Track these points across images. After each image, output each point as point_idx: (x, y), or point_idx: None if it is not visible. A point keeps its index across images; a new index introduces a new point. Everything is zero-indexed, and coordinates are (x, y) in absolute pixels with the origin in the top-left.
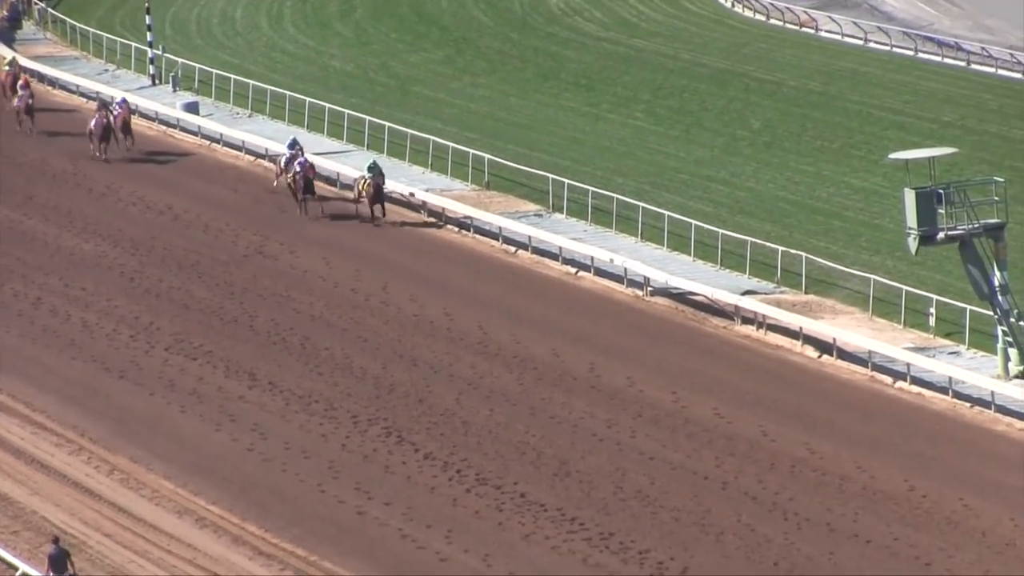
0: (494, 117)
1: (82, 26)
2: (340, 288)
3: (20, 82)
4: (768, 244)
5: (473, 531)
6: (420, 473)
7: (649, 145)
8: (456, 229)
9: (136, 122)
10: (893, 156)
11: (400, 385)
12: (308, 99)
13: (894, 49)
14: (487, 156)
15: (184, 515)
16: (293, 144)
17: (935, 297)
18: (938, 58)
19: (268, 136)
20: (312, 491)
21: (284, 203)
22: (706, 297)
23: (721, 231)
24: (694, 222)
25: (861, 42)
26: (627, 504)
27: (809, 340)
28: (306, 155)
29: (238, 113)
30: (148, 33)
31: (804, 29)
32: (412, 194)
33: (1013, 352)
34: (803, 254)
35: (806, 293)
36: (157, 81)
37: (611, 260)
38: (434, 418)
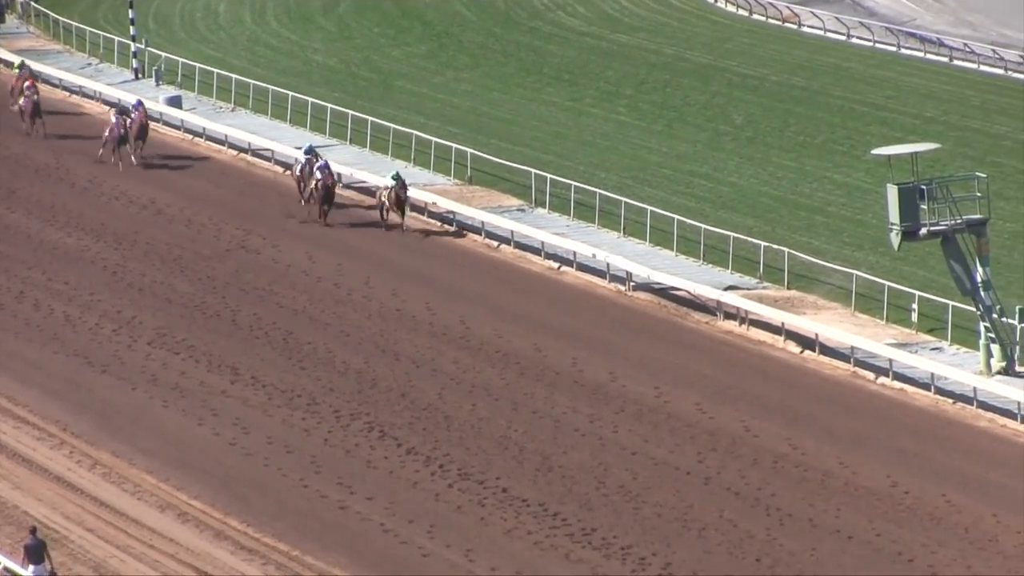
0: (477, 112)
1: (65, 20)
2: (323, 282)
3: (26, 83)
4: (751, 239)
5: (455, 526)
6: (402, 468)
7: (632, 140)
8: (440, 224)
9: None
10: (876, 152)
11: (383, 380)
12: (291, 93)
13: (877, 45)
14: (470, 151)
15: (166, 509)
16: (309, 150)
17: (917, 293)
18: (920, 54)
19: (251, 130)
20: (294, 486)
21: (270, 198)
22: (688, 292)
23: (704, 226)
24: (677, 217)
25: (844, 38)
26: (609, 499)
27: (791, 335)
28: (326, 161)
29: (221, 107)
30: (131, 27)
31: (787, 24)
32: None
33: (995, 348)
34: (785, 249)
35: (788, 288)
36: (140, 75)
37: (594, 255)
38: (416, 413)
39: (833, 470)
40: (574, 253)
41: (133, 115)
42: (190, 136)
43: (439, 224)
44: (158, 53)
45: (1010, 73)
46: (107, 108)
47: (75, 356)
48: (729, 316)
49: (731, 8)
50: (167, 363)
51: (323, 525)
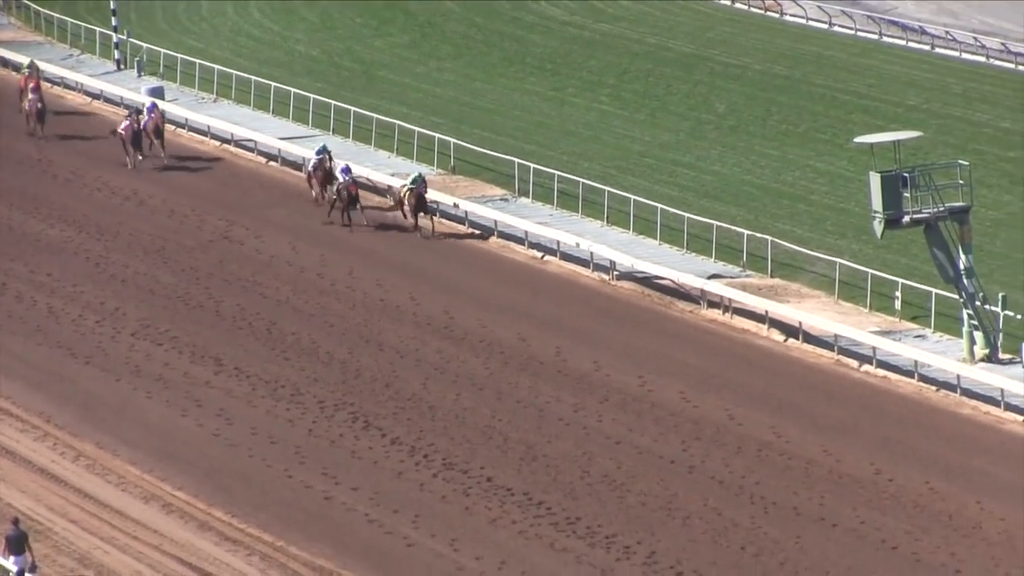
0: (459, 101)
1: (46, 11)
2: (306, 273)
3: (31, 84)
4: (734, 228)
5: (440, 516)
6: (387, 458)
7: (615, 129)
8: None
9: (100, 107)
10: (858, 140)
11: (367, 370)
12: (273, 84)
13: (859, 33)
14: (453, 140)
15: (150, 501)
16: (322, 150)
17: (901, 281)
18: (902, 42)
19: (234, 121)
20: (279, 476)
21: (252, 189)
22: (672, 281)
23: (687, 215)
24: (660, 206)
25: (826, 26)
26: (594, 488)
27: (775, 324)
28: (347, 165)
29: (203, 98)
30: (113, 18)
31: (769, 13)
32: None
33: (978, 335)
34: (769, 238)
35: (772, 277)
36: (122, 66)
37: (577, 244)
38: (401, 403)
39: (817, 458)
40: (557, 242)
41: (146, 117)
42: (172, 127)
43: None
44: (140, 44)
45: (991, 61)
46: (89, 100)
47: (58, 347)
48: (713, 305)
49: None
50: (150, 354)
51: (307, 515)
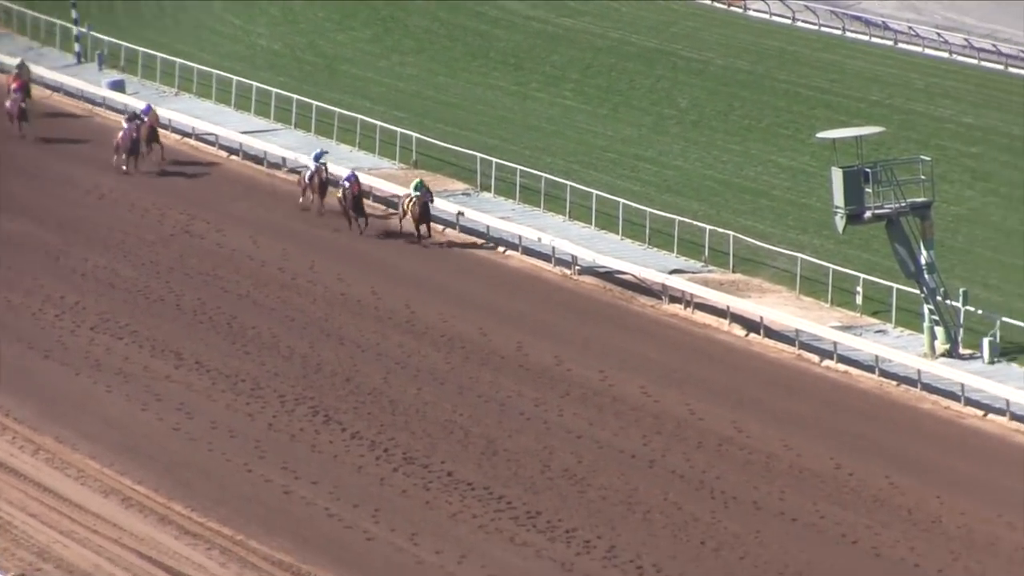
0: (422, 96)
1: (6, 3)
2: (267, 267)
3: (14, 85)
4: (696, 223)
5: (400, 510)
6: (347, 452)
7: (577, 124)
8: (384, 210)
9: (63, 100)
10: (821, 135)
11: (327, 364)
12: (235, 78)
13: (822, 28)
14: (415, 135)
15: (110, 495)
16: (319, 156)
17: (862, 276)
18: (865, 37)
19: (195, 115)
20: (239, 470)
21: (214, 183)
22: (634, 276)
23: (649, 210)
24: (622, 201)
25: (789, 21)
26: (554, 483)
27: (736, 319)
28: (353, 171)
29: (164, 91)
30: (73, 11)
31: (732, 8)
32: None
33: (939, 331)
34: (731, 233)
35: (733, 272)
36: (83, 59)
37: (539, 239)
38: (361, 397)
39: (777, 452)
40: (519, 237)
41: (144, 120)
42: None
43: (384, 209)
44: (101, 37)
45: (954, 56)
46: (49, 93)
47: (17, 341)
48: (674, 300)
49: None
50: (110, 348)
51: (268, 510)
